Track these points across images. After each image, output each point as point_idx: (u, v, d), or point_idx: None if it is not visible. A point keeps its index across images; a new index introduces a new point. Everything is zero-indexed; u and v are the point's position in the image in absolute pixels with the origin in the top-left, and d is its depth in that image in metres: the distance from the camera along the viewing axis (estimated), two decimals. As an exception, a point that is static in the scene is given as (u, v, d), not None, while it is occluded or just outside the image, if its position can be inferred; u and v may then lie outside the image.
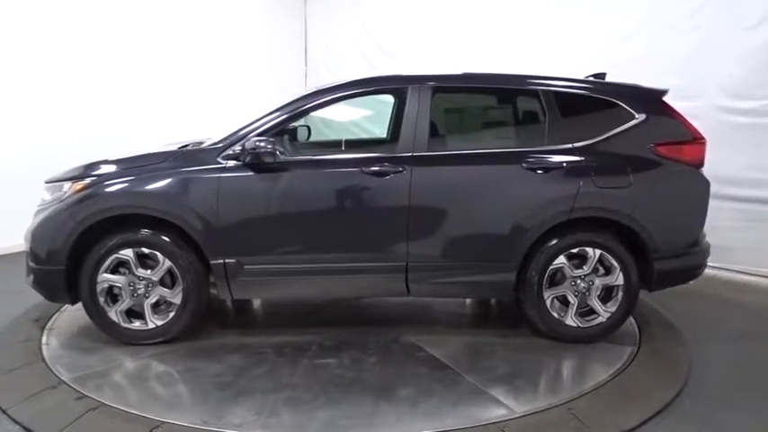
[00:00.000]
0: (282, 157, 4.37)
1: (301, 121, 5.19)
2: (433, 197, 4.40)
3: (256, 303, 5.54)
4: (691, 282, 4.77)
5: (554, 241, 4.47)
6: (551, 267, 4.49)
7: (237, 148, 4.37)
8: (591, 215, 4.46)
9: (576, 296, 4.52)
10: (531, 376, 4.05)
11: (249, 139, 4.29)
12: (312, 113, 4.60)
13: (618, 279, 4.50)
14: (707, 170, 4.63)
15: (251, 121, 4.50)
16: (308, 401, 3.70)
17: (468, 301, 5.55)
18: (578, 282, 4.51)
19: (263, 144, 4.25)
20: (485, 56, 8.18)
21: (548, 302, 4.53)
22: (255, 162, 4.32)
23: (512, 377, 4.02)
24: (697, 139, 4.60)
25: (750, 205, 6.53)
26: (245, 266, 4.40)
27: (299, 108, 4.52)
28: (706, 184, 4.56)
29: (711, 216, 4.66)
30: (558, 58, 7.41)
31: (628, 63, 6.64)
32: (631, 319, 5.00)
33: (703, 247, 4.70)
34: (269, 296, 5.00)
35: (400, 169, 4.36)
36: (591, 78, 4.84)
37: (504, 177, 4.44)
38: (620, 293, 4.53)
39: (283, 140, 4.64)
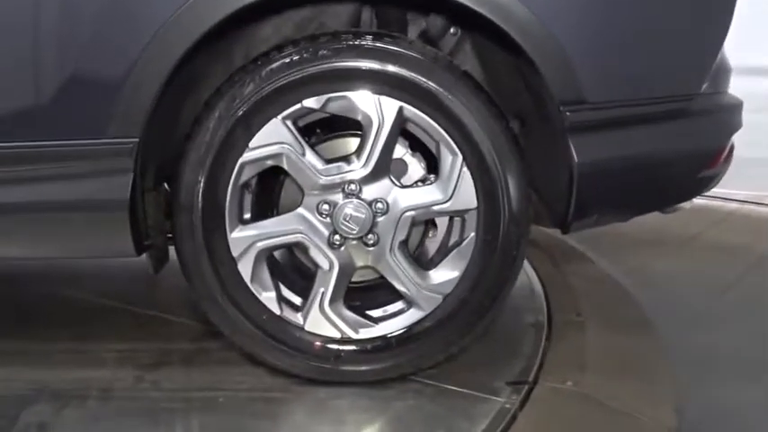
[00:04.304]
0: None
1: None
2: None
3: None
4: (684, 206, 1.74)
5: (259, 70, 1.39)
6: (251, 156, 1.43)
7: None
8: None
9: (335, 247, 1.48)
10: None
11: None
12: None
13: (461, 194, 1.45)
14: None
15: None
16: None
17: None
18: (340, 204, 1.45)
19: None
20: None
21: (246, 267, 1.47)
22: None
23: None
24: None
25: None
26: None
27: None
28: None
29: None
30: None
31: None
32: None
33: (720, 101, 1.63)
34: None
35: None
36: None
37: None
38: (470, 237, 1.48)
39: None
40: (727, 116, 1.62)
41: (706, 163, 1.58)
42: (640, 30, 1.43)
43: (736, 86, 1.89)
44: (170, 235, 1.54)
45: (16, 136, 1.37)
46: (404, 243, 1.48)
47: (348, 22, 1.58)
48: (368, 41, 1.39)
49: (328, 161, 1.45)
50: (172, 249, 1.55)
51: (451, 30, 1.60)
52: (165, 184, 1.58)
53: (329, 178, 1.43)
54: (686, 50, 1.48)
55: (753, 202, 3.56)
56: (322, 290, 1.48)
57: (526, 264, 2.25)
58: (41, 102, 1.36)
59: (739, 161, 1.92)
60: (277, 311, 1.49)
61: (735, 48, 1.82)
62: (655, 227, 2.76)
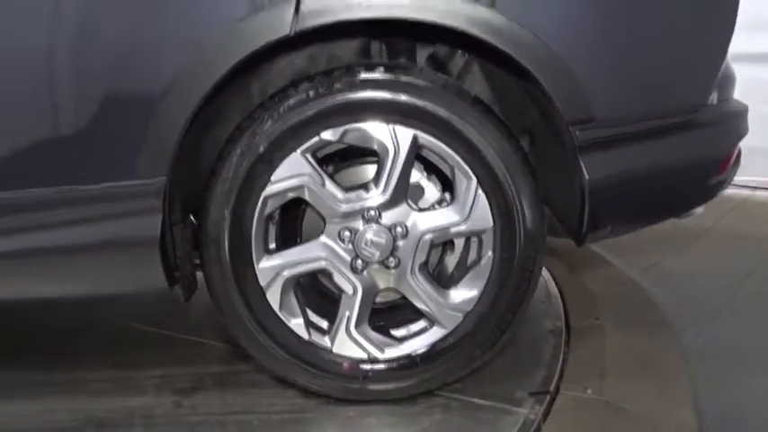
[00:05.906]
0: None
1: None
2: None
3: None
4: (697, 210, 1.77)
5: (277, 106, 1.44)
6: (273, 189, 1.48)
7: None
8: (384, 16, 1.39)
9: (358, 271, 1.53)
10: None
11: None
12: None
13: (477, 214, 1.50)
14: None
15: None
16: None
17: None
18: (360, 230, 1.51)
19: None
20: None
21: (274, 295, 1.53)
22: None
23: None
24: None
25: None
26: None
27: None
28: None
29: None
30: None
31: None
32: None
33: (726, 109, 1.67)
34: None
35: None
36: None
37: None
38: (488, 256, 1.53)
39: None
40: (734, 123, 1.65)
41: (715, 171, 1.61)
42: (645, 45, 1.46)
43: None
44: (197, 262, 1.61)
45: (46, 181, 1.43)
46: (424, 264, 1.54)
47: (359, 52, 1.63)
48: (380, 73, 1.44)
49: (347, 189, 1.50)
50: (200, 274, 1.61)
51: (459, 53, 1.65)
52: (192, 217, 1.64)
53: (349, 206, 1.49)
54: (691, 63, 1.51)
55: (765, 188, 3.57)
56: (347, 313, 1.54)
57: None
58: (70, 146, 1.42)
59: (751, 150, 1.95)
60: (306, 336, 1.55)
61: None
62: (668, 221, 2.80)
